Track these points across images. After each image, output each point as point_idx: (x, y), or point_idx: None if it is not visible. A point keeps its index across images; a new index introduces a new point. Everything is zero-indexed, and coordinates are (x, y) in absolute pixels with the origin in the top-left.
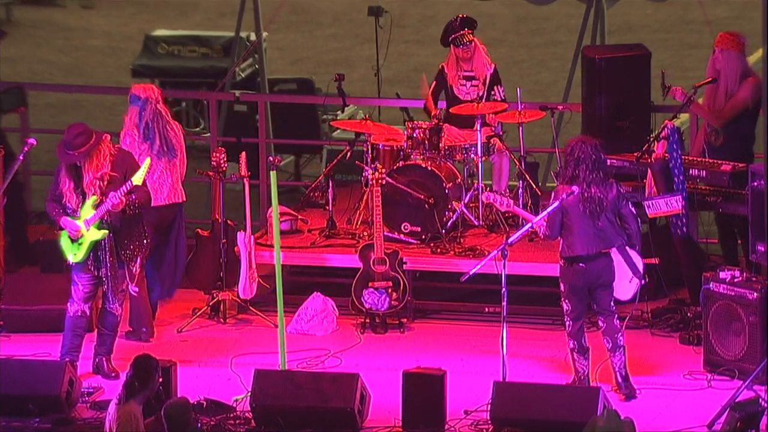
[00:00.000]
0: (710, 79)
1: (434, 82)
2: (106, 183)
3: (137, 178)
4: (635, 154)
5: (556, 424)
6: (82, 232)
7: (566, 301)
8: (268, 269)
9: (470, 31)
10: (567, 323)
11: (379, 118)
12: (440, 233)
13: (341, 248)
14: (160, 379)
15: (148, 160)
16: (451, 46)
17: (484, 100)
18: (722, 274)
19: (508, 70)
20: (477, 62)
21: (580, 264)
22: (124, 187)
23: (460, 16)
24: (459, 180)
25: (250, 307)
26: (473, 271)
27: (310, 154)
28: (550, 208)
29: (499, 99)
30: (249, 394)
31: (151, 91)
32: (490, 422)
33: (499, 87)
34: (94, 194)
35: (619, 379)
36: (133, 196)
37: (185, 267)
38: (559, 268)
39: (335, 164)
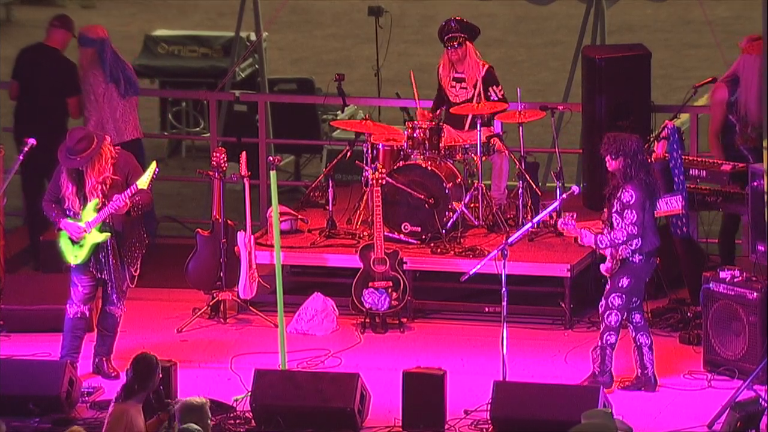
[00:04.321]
0: (711, 79)
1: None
2: (108, 186)
3: (142, 183)
4: None
5: (556, 424)
6: (83, 234)
7: (623, 296)
8: (268, 269)
9: (463, 35)
10: (614, 318)
11: (379, 118)
12: (440, 233)
13: (341, 248)
14: (161, 375)
15: (153, 164)
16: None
17: (477, 101)
18: (722, 274)
19: (508, 70)
20: (468, 65)
21: (654, 257)
22: (128, 190)
23: (456, 17)
24: (459, 180)
25: (250, 307)
26: (473, 271)
27: (310, 154)
28: (550, 208)
29: (496, 99)
30: (249, 394)
31: (102, 31)
32: (490, 422)
33: (495, 87)
34: (96, 198)
35: (656, 374)
36: (137, 198)
37: (185, 265)
38: (631, 264)
39: (335, 164)
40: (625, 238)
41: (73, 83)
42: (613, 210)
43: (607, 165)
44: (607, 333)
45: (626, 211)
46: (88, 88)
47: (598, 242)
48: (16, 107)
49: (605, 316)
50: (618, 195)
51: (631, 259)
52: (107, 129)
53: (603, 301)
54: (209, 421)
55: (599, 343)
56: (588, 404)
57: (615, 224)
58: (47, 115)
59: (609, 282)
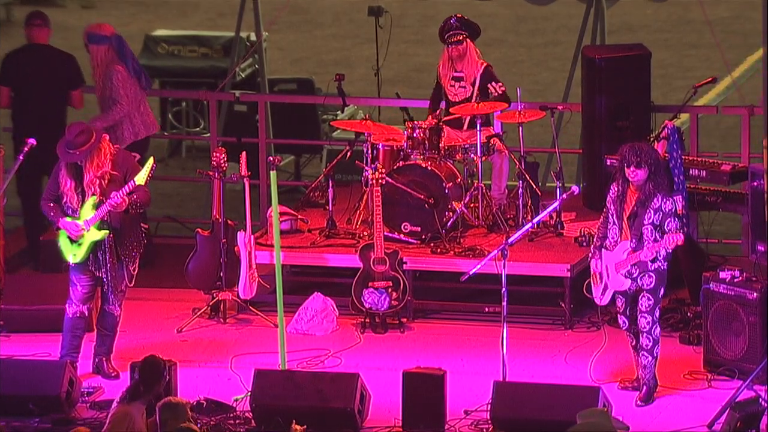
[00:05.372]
0: (711, 79)
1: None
2: (107, 182)
3: (140, 178)
4: None
5: (556, 424)
6: (82, 233)
7: (660, 306)
8: (268, 269)
9: (464, 33)
10: (659, 329)
11: (379, 118)
12: (440, 233)
13: (341, 248)
14: (167, 378)
15: (151, 160)
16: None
17: (476, 101)
18: (722, 274)
19: (508, 70)
20: (467, 63)
21: None
22: (126, 187)
23: (458, 15)
24: (459, 180)
25: (250, 307)
26: (473, 271)
27: (310, 154)
28: (550, 208)
29: (497, 95)
30: (249, 394)
31: (111, 28)
32: (490, 422)
33: (495, 84)
34: (94, 194)
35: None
36: (135, 196)
37: (185, 265)
38: (663, 273)
39: (335, 164)
40: (675, 246)
41: (78, 74)
42: (648, 222)
43: (632, 176)
44: (657, 346)
45: (669, 219)
46: (109, 85)
47: (659, 255)
48: (14, 112)
49: (653, 330)
50: (655, 206)
51: (662, 267)
52: (135, 123)
53: (648, 317)
54: (188, 422)
55: (650, 359)
56: (588, 404)
57: (647, 235)
58: (49, 113)
59: (648, 297)
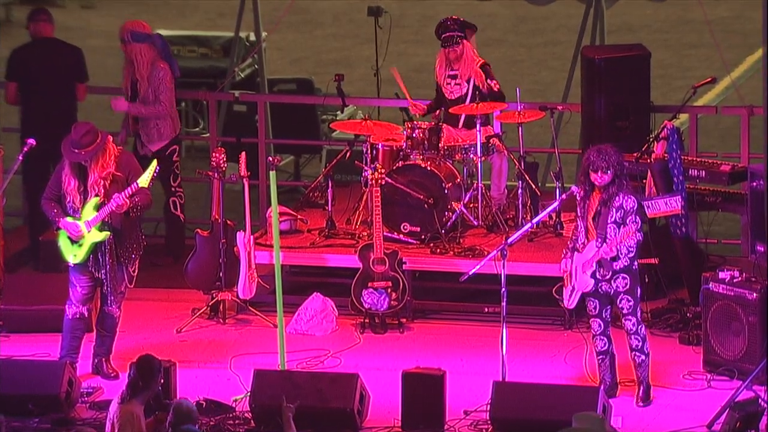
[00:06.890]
0: (710, 79)
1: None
2: (110, 183)
3: (143, 181)
4: (635, 154)
5: (556, 424)
6: (83, 233)
7: (640, 305)
8: (268, 269)
9: (460, 34)
10: (645, 327)
11: (379, 119)
12: (440, 233)
13: (341, 248)
14: (162, 380)
15: (154, 163)
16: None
17: (470, 98)
18: (722, 274)
19: (508, 70)
20: (463, 62)
21: None
22: (129, 189)
23: (452, 17)
24: (458, 180)
25: (250, 307)
26: (473, 271)
27: (310, 155)
28: (549, 208)
29: (492, 91)
30: (248, 394)
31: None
32: (490, 422)
33: (490, 81)
34: (96, 194)
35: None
36: (137, 199)
37: (185, 265)
38: (634, 271)
39: (335, 164)
40: (635, 244)
41: (84, 68)
42: (611, 221)
43: (598, 180)
44: (646, 343)
45: (629, 218)
46: (155, 82)
47: (619, 252)
48: (23, 107)
49: (639, 329)
50: (616, 204)
51: (632, 266)
52: (174, 120)
53: (632, 318)
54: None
55: (643, 357)
56: (587, 405)
57: (611, 234)
58: (59, 106)
59: (627, 298)
